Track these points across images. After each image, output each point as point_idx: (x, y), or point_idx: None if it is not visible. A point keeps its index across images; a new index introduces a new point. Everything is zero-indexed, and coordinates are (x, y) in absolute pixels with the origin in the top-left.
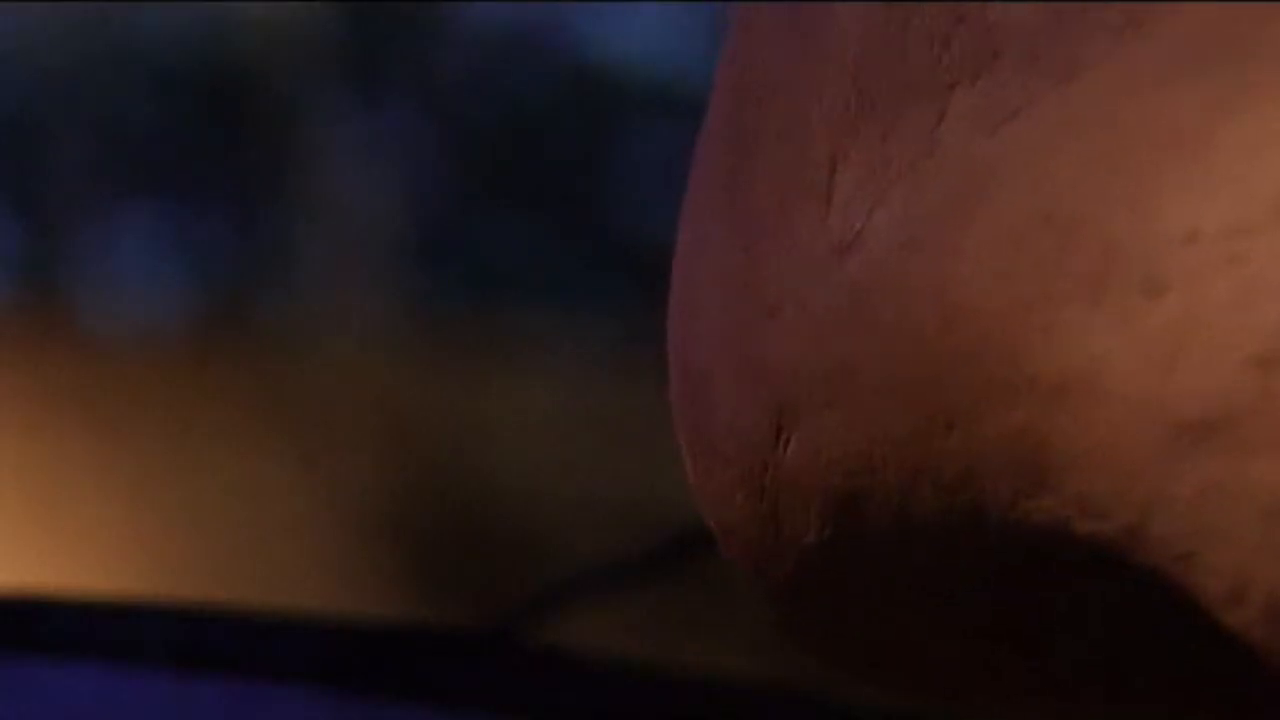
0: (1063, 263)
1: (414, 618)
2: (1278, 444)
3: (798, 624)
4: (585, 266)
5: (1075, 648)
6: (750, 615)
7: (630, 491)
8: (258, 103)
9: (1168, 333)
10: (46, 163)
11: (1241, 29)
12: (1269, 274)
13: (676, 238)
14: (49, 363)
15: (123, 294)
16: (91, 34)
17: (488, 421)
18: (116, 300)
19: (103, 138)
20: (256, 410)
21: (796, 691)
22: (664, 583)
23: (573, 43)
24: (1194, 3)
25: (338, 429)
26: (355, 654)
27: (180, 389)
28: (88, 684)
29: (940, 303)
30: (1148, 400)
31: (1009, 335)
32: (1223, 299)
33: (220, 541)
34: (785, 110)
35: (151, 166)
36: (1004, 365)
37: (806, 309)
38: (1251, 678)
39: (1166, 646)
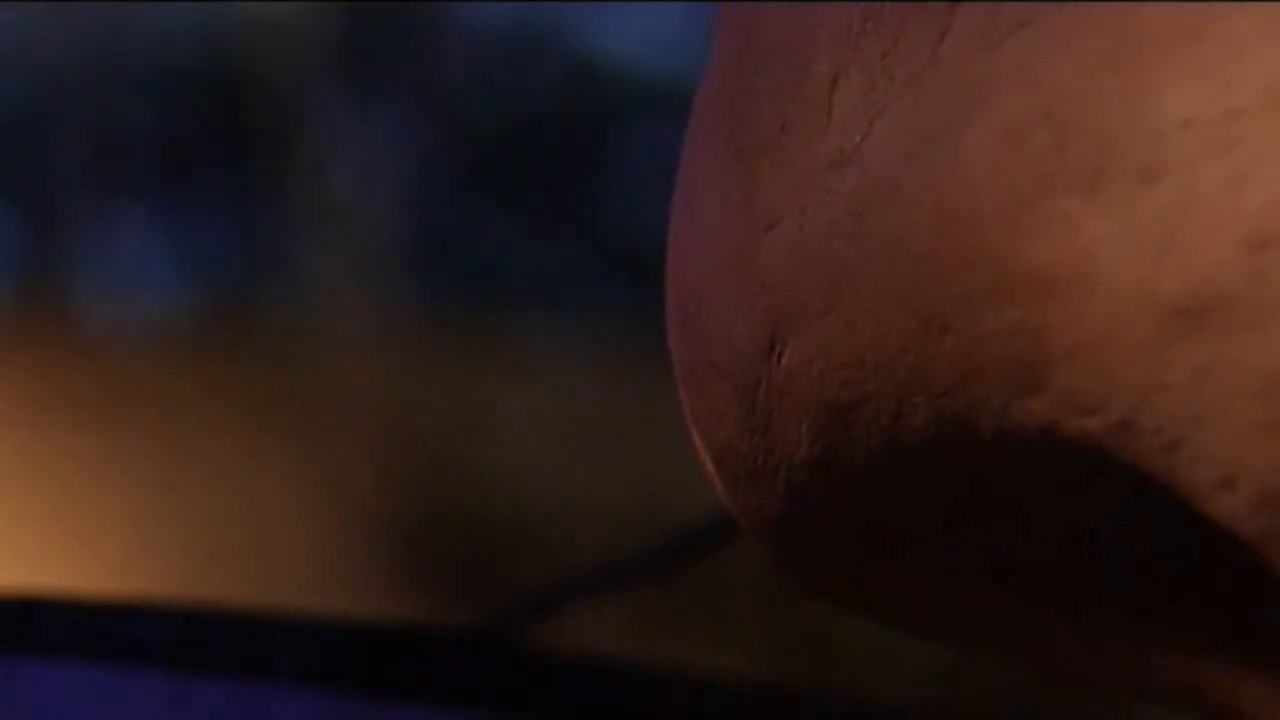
0: (1060, 157)
1: (414, 618)
2: (1268, 324)
3: (787, 555)
4: (585, 266)
5: (1056, 570)
6: (749, 615)
7: (630, 492)
8: (257, 103)
9: (1161, 218)
10: (46, 163)
11: None
12: (1260, 158)
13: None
14: (49, 363)
15: (123, 294)
16: (91, 34)
17: (487, 421)
18: (116, 300)
19: (103, 138)
20: (256, 410)
21: (796, 691)
22: (664, 582)
23: (573, 43)
24: None
25: (338, 429)
26: (355, 654)
27: (180, 389)
28: (88, 684)
29: (937, 209)
30: (1139, 288)
31: (1005, 234)
32: (1216, 183)
33: (220, 541)
34: (787, 33)
35: (152, 167)
36: (999, 264)
37: (805, 221)
38: (1236, 581)
39: (1149, 562)
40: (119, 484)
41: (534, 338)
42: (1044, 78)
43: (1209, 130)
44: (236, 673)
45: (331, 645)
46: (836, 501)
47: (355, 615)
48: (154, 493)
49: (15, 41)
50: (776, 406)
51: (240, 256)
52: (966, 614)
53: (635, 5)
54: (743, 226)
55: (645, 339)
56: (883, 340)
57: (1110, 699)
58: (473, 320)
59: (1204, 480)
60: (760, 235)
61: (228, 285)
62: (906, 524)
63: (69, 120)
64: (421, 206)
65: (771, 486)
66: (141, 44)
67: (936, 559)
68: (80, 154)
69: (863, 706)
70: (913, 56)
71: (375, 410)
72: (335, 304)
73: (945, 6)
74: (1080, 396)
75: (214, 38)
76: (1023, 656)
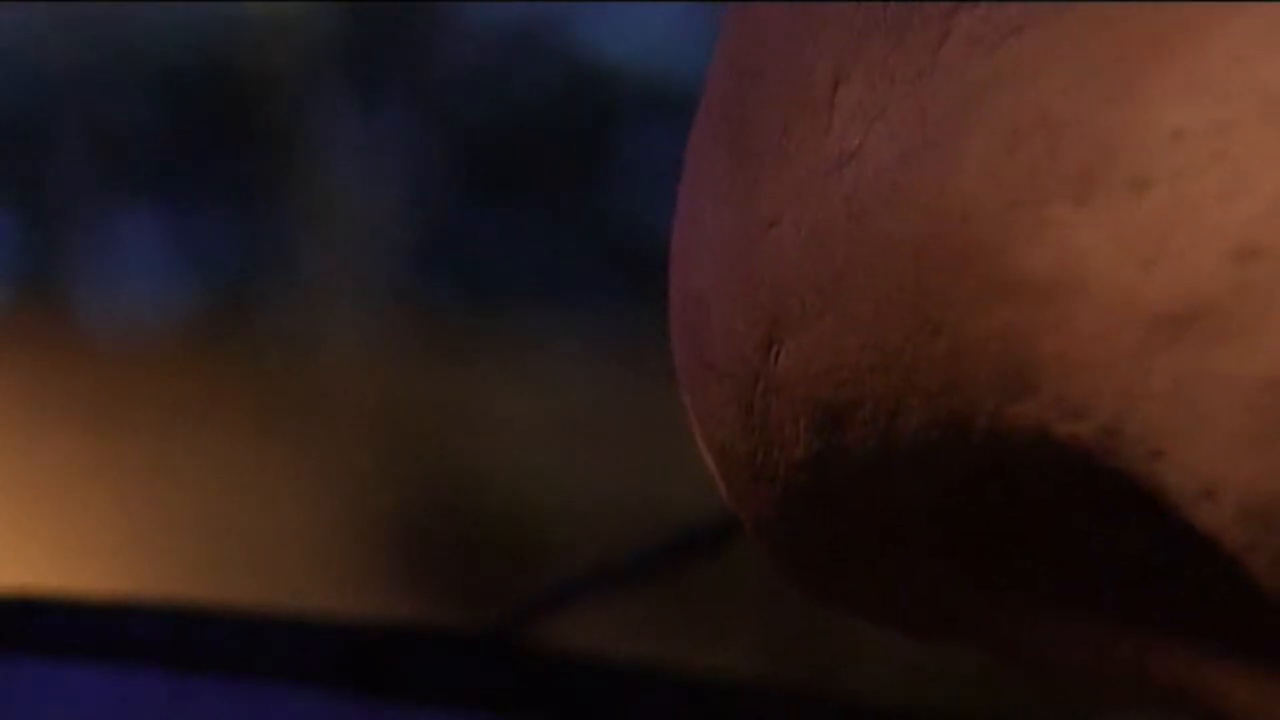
0: (1053, 163)
1: (414, 618)
2: (1253, 334)
3: (786, 555)
4: (585, 266)
5: (1051, 572)
6: (749, 615)
7: (630, 492)
8: (257, 103)
9: (1151, 227)
10: (47, 162)
11: None
12: (1250, 169)
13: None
14: (49, 363)
15: (123, 294)
16: (91, 34)
17: (487, 421)
18: (116, 300)
19: (103, 138)
20: (256, 410)
21: (796, 691)
22: (664, 583)
23: (573, 43)
24: None
25: (337, 429)
26: (355, 654)
27: (180, 389)
28: (88, 684)
29: (933, 211)
30: (1127, 295)
31: (998, 237)
32: (1206, 193)
33: (220, 542)
34: (789, 37)
35: (152, 166)
36: (992, 267)
37: (804, 221)
38: (1220, 590)
39: (1142, 564)
40: (119, 484)
41: (534, 338)
42: (1040, 83)
43: (1200, 141)
44: (236, 673)
45: (331, 645)
46: (834, 501)
47: (355, 615)
48: (154, 493)
49: (15, 41)
50: (774, 405)
51: (240, 256)
52: (961, 614)
53: (635, 5)
54: (743, 226)
55: (645, 338)
56: (879, 341)
57: (1105, 699)
58: (473, 320)
59: (1187, 490)
60: (761, 235)
61: (227, 285)
62: (903, 524)
63: (69, 120)
64: (421, 206)
65: (770, 486)
66: (141, 44)
67: (932, 559)
68: (80, 154)
69: (863, 706)
70: (913, 60)
71: (375, 410)
72: (335, 304)
73: (945, 11)
74: (1069, 401)
75: (214, 37)
76: (1017, 656)
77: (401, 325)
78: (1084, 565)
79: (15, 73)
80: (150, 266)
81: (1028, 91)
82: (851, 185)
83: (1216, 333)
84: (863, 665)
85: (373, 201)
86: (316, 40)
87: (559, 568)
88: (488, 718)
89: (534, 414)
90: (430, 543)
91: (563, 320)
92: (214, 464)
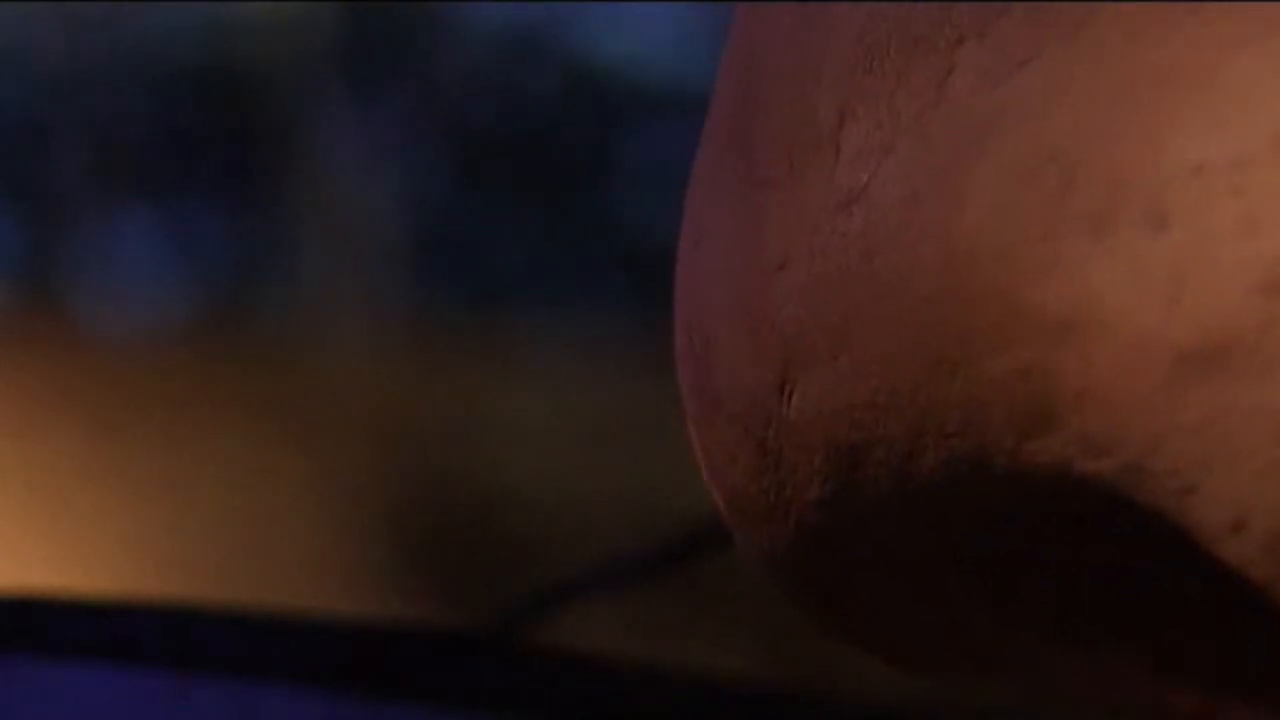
0: (1067, 199)
1: (414, 618)
2: None
3: (797, 592)
4: (585, 266)
5: (1070, 607)
6: (749, 615)
7: (629, 492)
8: (257, 103)
9: (1171, 264)
10: (46, 162)
11: None
12: (1271, 204)
13: (684, 211)
14: (49, 363)
15: (123, 294)
16: (91, 34)
17: (487, 422)
18: (116, 300)
19: (103, 138)
20: (256, 410)
21: (797, 691)
22: (664, 583)
23: (573, 43)
24: None
25: (337, 429)
26: (355, 654)
27: (180, 389)
28: (88, 684)
29: (945, 248)
30: (1151, 333)
31: (1012, 274)
32: (1226, 229)
33: (220, 541)
34: (794, 70)
35: (151, 166)
36: (1007, 305)
37: (813, 261)
38: (1246, 625)
39: (1164, 599)
40: (119, 485)
41: (534, 338)
42: (1049, 116)
43: (1218, 177)
44: (236, 673)
45: (331, 645)
46: (849, 542)
47: (355, 615)
48: (154, 493)
49: (15, 41)
50: (787, 447)
51: (240, 256)
52: (979, 651)
53: (635, 5)
54: (752, 267)
55: (644, 338)
56: (893, 381)
57: None
58: (473, 321)
59: (1215, 523)
60: (770, 276)
61: (227, 285)
62: (918, 562)
63: (69, 120)
64: (421, 206)
65: (782, 527)
66: (141, 44)
67: (948, 597)
68: (80, 154)
69: (863, 706)
70: (918, 95)
71: (375, 410)
72: (335, 304)
73: (949, 44)
74: (1092, 439)
75: (214, 38)
76: (1035, 691)
77: (401, 326)
78: (1101, 601)
79: (15, 73)
80: (150, 266)
81: (1037, 126)
82: (860, 224)
83: (1244, 368)
84: (863, 665)
85: (373, 202)
86: (316, 40)
87: (559, 568)
88: (488, 718)
89: (534, 414)
90: (430, 543)
91: (562, 320)
92: (214, 464)
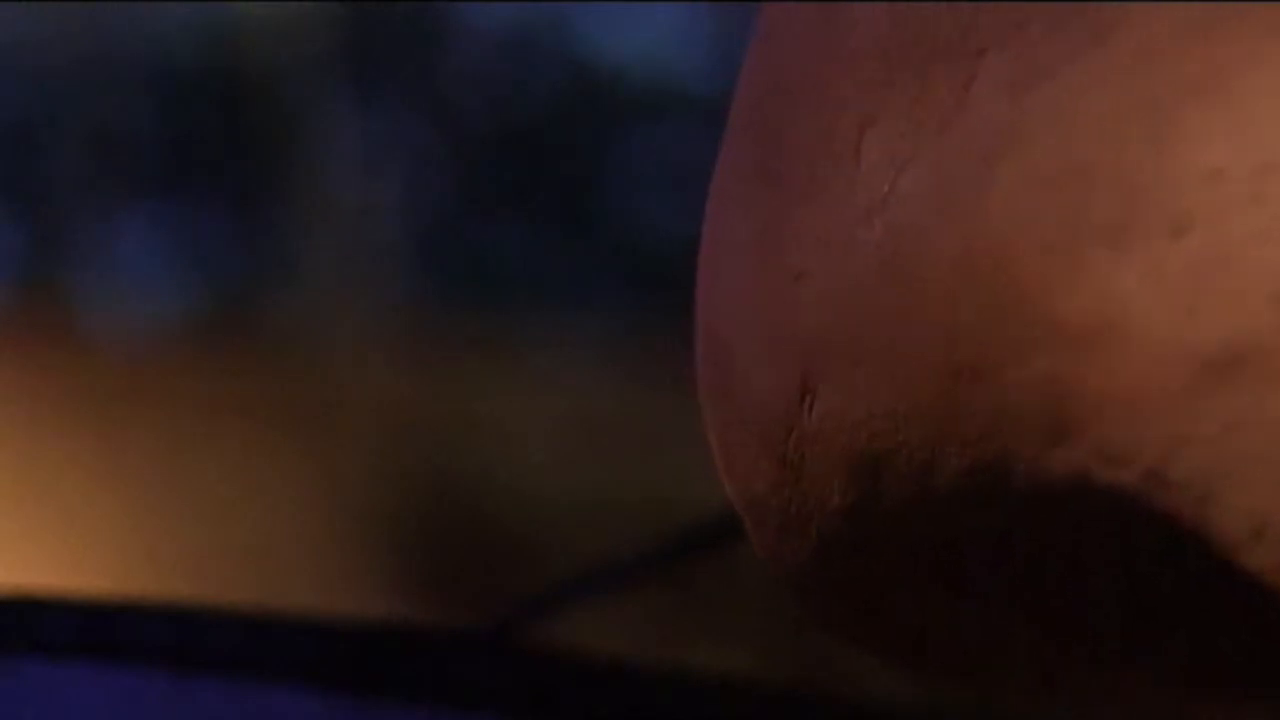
0: (1087, 208)
1: (414, 618)
2: None
3: (817, 603)
4: (586, 267)
5: (1092, 617)
6: (751, 615)
7: (632, 492)
8: (258, 103)
9: (1191, 272)
10: (47, 163)
11: None
12: None
13: (702, 221)
14: (50, 363)
15: (123, 294)
16: (92, 34)
17: (488, 422)
18: (116, 300)
19: (103, 138)
20: (256, 410)
21: (797, 691)
22: (664, 583)
23: (574, 43)
24: None
25: (338, 429)
26: (355, 654)
27: (180, 389)
28: (88, 684)
29: (966, 257)
30: (1171, 341)
31: (1033, 283)
32: (1246, 237)
33: (220, 541)
34: (815, 80)
35: (153, 166)
36: (1028, 314)
37: (834, 271)
38: (1263, 630)
39: (1179, 607)
40: (119, 484)
41: (535, 338)
42: (1070, 126)
43: (1238, 185)
44: (236, 673)
45: (331, 645)
46: (870, 551)
47: (355, 615)
48: (154, 493)
49: (15, 41)
50: (808, 457)
51: (240, 257)
52: (1000, 659)
53: (635, 5)
54: (772, 277)
55: (646, 338)
56: (914, 390)
57: None
58: (474, 321)
59: (1235, 531)
60: (790, 286)
61: (228, 285)
62: (940, 571)
63: (69, 120)
64: (421, 207)
65: (804, 537)
66: (141, 44)
67: (969, 605)
68: (80, 154)
69: (863, 706)
70: (939, 105)
71: (376, 410)
72: (336, 304)
73: (971, 54)
74: (1112, 447)
75: (214, 38)
76: (1055, 701)
77: (403, 326)
78: (1119, 610)
79: (15, 73)
80: (151, 266)
81: (1057, 137)
82: (881, 234)
83: (1265, 376)
84: (863, 665)
85: (373, 201)
86: (317, 41)
87: (559, 568)
88: (488, 718)
89: (535, 414)
90: (430, 542)
91: (564, 321)
92: (214, 464)
